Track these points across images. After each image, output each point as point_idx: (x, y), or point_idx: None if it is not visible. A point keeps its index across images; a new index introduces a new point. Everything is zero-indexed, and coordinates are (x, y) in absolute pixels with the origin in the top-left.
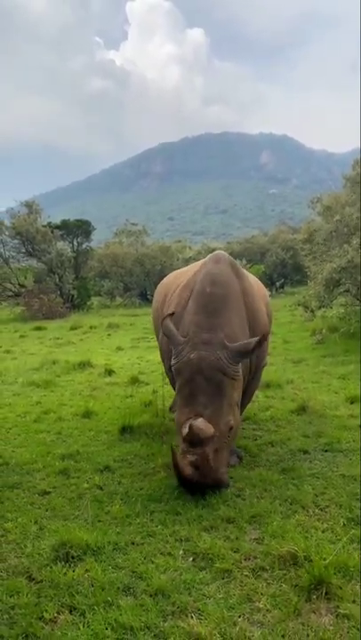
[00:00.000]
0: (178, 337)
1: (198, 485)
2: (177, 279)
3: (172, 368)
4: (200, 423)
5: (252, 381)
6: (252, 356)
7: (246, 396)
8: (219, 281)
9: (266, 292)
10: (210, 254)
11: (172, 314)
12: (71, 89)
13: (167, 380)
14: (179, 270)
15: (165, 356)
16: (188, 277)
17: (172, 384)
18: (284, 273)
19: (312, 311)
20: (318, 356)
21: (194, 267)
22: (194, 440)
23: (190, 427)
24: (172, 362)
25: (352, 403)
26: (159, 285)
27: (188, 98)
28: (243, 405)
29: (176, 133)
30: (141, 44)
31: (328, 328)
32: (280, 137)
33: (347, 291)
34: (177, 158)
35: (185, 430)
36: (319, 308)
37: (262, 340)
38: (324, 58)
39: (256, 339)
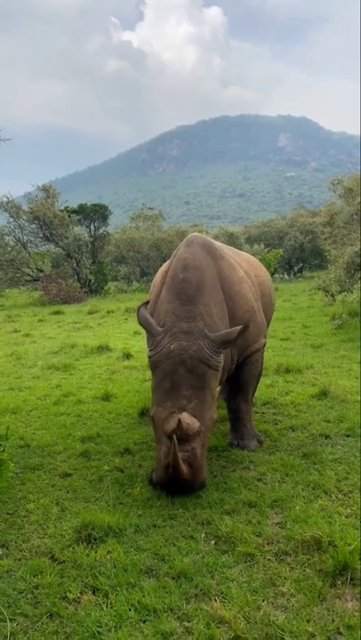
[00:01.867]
0: (155, 327)
1: (187, 486)
2: (164, 267)
3: (150, 360)
4: (187, 418)
5: (246, 367)
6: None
7: (248, 381)
8: (191, 265)
9: (264, 271)
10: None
11: (147, 302)
12: (88, 71)
13: None
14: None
15: None
16: (167, 262)
17: None
18: (302, 257)
19: (332, 295)
20: (338, 341)
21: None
22: (181, 436)
23: (179, 422)
24: (150, 353)
25: None
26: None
27: (205, 79)
28: (252, 392)
29: (193, 116)
30: (157, 25)
31: (348, 313)
32: (298, 119)
33: None
34: (194, 141)
35: (170, 426)
36: (340, 292)
37: (245, 330)
38: (344, 38)
39: (238, 328)
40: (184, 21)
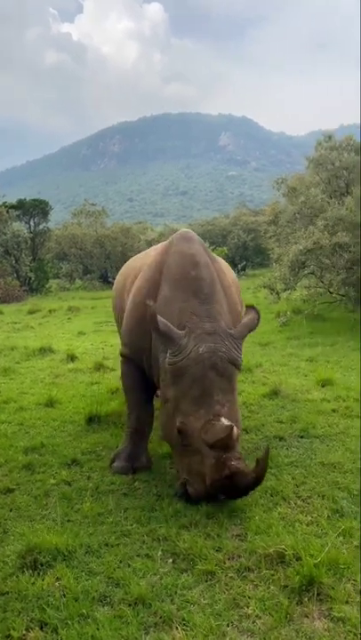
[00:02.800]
0: (175, 330)
1: (245, 491)
2: (136, 262)
3: (174, 367)
4: (230, 424)
5: None
6: None
7: None
8: (202, 262)
9: (234, 274)
10: (175, 233)
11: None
12: (26, 62)
13: None
14: (139, 254)
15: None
16: (151, 259)
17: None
18: (245, 255)
19: (277, 293)
20: (284, 339)
21: (154, 248)
22: (231, 444)
23: (232, 429)
24: (172, 359)
25: (323, 386)
26: (121, 270)
27: (146, 75)
28: None
29: (134, 112)
30: (97, 18)
31: (293, 310)
32: (239, 118)
33: (311, 273)
34: (135, 138)
35: (216, 435)
36: (284, 290)
37: (259, 317)
38: (283, 38)
39: (255, 316)
40: (124, 16)
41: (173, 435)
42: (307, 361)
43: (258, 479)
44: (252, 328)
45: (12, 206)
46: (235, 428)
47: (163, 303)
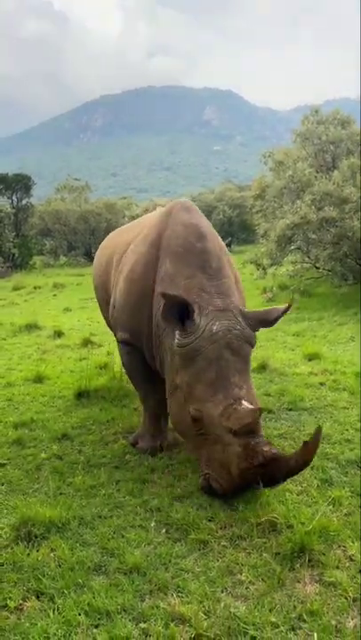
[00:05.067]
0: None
1: (278, 479)
2: (122, 236)
3: (186, 348)
4: (255, 407)
5: None
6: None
7: None
8: (208, 233)
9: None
10: (169, 203)
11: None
12: (4, 31)
13: None
14: (122, 227)
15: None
16: (145, 231)
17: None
18: (230, 231)
19: (264, 269)
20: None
21: (142, 221)
22: (257, 429)
23: (259, 412)
24: (182, 341)
25: (310, 360)
26: (102, 245)
27: (130, 47)
28: None
29: (118, 85)
30: None
31: (279, 286)
32: (224, 92)
33: (298, 248)
34: (119, 112)
35: (242, 420)
36: (271, 265)
37: (286, 311)
38: (267, 11)
39: (282, 308)
40: None
41: (187, 424)
42: (293, 335)
43: (306, 463)
44: (268, 318)
45: None
46: (256, 412)
47: (165, 280)
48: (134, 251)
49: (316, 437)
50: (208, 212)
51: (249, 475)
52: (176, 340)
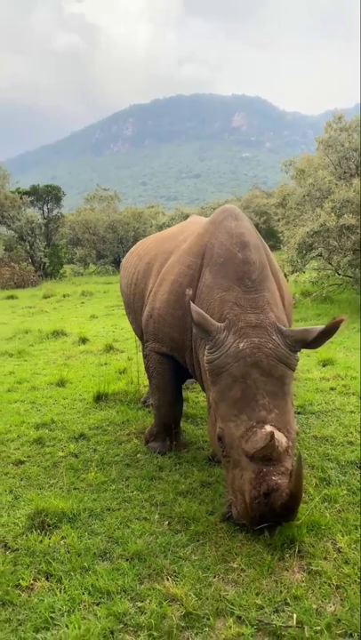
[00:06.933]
0: (212, 322)
1: (289, 514)
2: (163, 245)
3: (211, 365)
4: (276, 433)
5: None
6: None
7: None
8: (252, 244)
9: None
10: (217, 209)
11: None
12: (36, 44)
13: (140, 347)
14: (158, 234)
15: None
16: (189, 240)
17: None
18: None
19: (285, 276)
20: (292, 321)
21: (184, 229)
22: (275, 456)
23: (272, 436)
24: (209, 357)
25: (324, 365)
26: (134, 251)
27: (159, 56)
28: None
29: (147, 94)
30: None
31: (301, 292)
32: (253, 98)
33: (319, 255)
34: (148, 120)
35: (256, 444)
36: (292, 272)
37: (336, 328)
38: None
39: (319, 328)
40: None
41: (216, 443)
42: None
43: (292, 496)
44: (306, 338)
45: (26, 192)
46: (279, 436)
47: (204, 292)
48: (179, 261)
49: (298, 466)
50: None
51: (258, 505)
52: (205, 356)
